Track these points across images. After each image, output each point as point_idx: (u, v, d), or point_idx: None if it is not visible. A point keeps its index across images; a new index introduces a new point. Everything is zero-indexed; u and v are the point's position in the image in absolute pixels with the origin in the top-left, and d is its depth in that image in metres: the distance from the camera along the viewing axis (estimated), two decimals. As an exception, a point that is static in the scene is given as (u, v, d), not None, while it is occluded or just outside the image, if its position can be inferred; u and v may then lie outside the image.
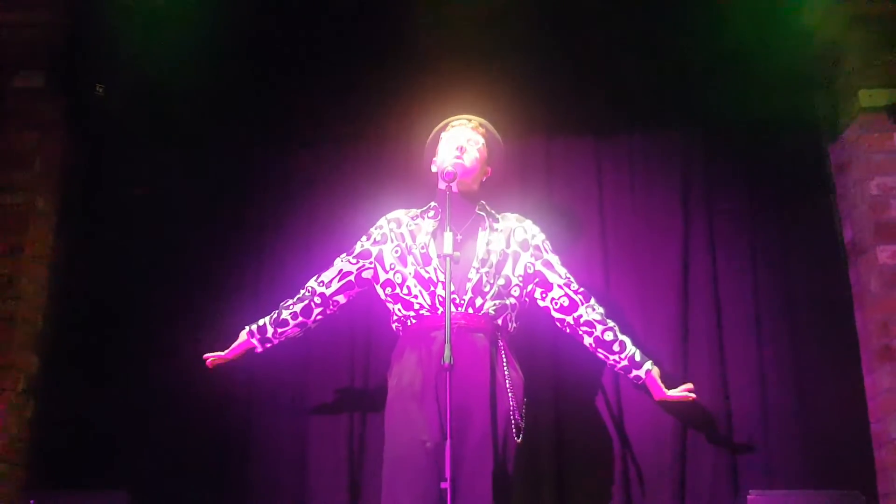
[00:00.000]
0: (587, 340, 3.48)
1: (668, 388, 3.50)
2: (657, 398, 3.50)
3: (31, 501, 3.88)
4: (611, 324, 3.49)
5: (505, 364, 3.24)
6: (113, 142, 4.65)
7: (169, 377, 4.32)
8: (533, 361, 3.85)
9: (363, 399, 4.31)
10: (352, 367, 4.35)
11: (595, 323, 3.46)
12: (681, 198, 4.42)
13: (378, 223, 3.64)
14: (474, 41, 4.50)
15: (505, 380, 3.20)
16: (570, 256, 4.35)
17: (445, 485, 2.74)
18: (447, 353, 2.82)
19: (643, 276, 4.36)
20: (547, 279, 3.51)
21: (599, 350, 3.48)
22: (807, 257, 4.30)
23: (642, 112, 4.56)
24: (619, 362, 3.45)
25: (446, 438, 2.80)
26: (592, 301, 3.54)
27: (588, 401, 4.15)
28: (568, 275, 3.56)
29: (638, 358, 3.45)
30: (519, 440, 3.16)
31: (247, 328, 3.69)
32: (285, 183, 4.66)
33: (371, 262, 3.57)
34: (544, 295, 3.50)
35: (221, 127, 4.69)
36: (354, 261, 3.62)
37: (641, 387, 3.53)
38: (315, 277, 3.71)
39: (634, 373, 3.43)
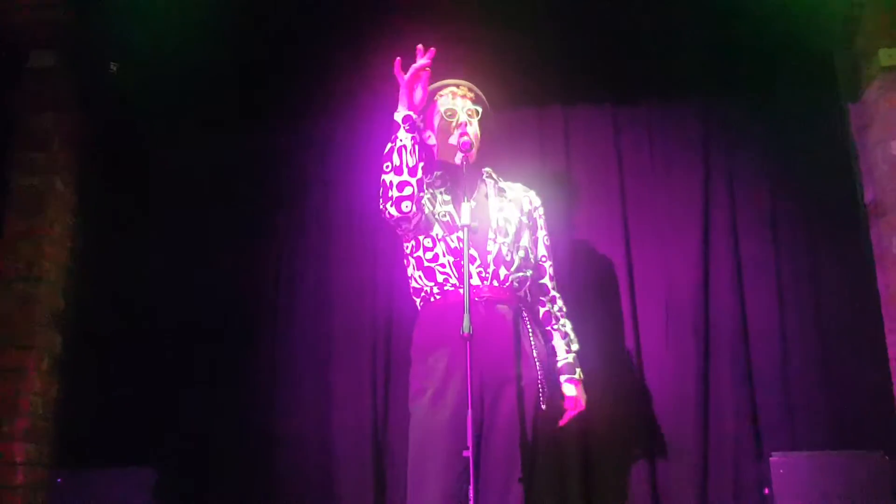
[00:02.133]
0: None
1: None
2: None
3: (58, 480, 3.92)
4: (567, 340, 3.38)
5: (531, 334, 3.23)
6: (130, 120, 4.64)
7: (193, 354, 4.37)
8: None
9: (387, 377, 4.35)
10: (374, 347, 4.40)
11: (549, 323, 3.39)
12: (701, 162, 4.41)
13: None
14: (491, 7, 4.45)
15: (532, 349, 3.20)
16: (590, 223, 4.37)
17: (467, 453, 2.74)
18: (466, 322, 2.81)
19: (664, 241, 4.36)
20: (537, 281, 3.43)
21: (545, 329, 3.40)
22: (827, 219, 4.28)
23: (661, 77, 4.53)
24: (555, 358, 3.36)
25: (468, 408, 2.80)
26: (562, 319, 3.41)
27: (609, 367, 4.14)
28: (552, 279, 3.42)
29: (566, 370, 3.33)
30: (545, 408, 3.17)
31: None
32: (301, 155, 4.68)
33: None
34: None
35: (235, 102, 4.68)
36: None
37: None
38: None
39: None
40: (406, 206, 3.09)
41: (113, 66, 4.51)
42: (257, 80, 4.72)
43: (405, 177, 3.07)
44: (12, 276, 4.30)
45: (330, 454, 4.28)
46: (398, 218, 3.13)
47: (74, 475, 3.97)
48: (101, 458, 4.15)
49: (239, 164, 4.66)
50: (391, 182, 3.09)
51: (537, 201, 3.47)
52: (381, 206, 3.15)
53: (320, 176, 4.64)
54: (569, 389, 3.29)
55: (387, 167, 3.11)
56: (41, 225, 4.37)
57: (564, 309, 3.40)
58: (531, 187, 3.48)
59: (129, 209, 4.58)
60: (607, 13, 4.49)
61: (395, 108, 3.10)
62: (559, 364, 3.32)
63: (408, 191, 3.08)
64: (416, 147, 3.07)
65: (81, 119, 4.62)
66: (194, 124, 4.65)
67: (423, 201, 3.15)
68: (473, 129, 3.33)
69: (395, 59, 3.10)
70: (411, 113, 3.07)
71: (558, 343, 3.35)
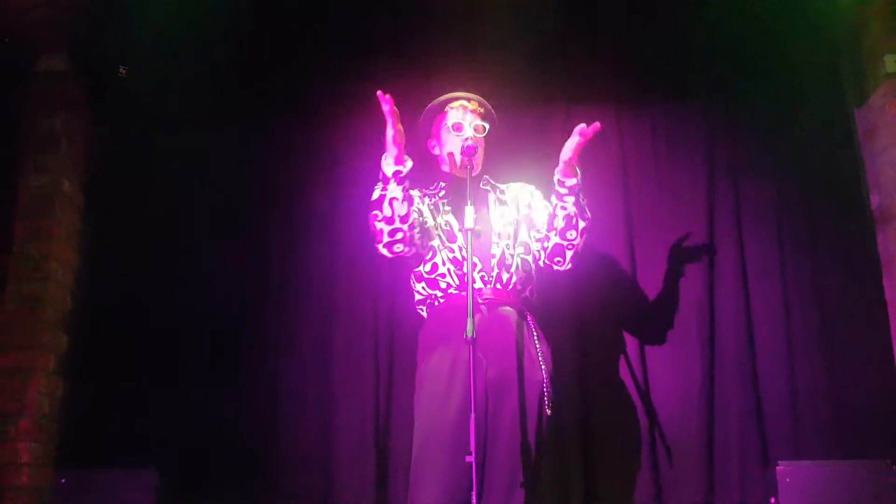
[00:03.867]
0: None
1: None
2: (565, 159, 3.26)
3: (62, 480, 3.93)
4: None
5: (535, 336, 3.25)
6: (138, 123, 4.65)
7: (196, 355, 4.38)
8: (557, 334, 3.80)
9: (391, 373, 4.32)
10: (376, 340, 4.37)
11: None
12: (705, 166, 4.40)
13: None
14: (495, 9, 4.45)
15: (536, 352, 3.21)
16: (593, 223, 4.34)
17: (470, 458, 2.74)
18: (469, 326, 2.83)
19: (668, 248, 4.33)
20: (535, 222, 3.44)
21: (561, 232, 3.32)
22: (833, 225, 4.26)
23: (664, 79, 4.52)
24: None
25: (471, 412, 2.80)
26: None
27: (613, 373, 4.15)
28: None
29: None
30: (550, 412, 3.17)
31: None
32: (309, 159, 4.67)
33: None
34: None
35: (244, 106, 4.69)
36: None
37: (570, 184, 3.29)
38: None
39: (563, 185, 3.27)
40: (398, 248, 3.24)
41: (122, 70, 4.52)
42: (263, 83, 4.74)
43: (397, 225, 3.17)
44: (20, 276, 4.32)
45: (332, 451, 4.26)
46: (391, 258, 3.27)
47: (78, 476, 3.96)
48: (105, 458, 4.15)
49: (245, 164, 4.66)
50: (382, 229, 3.18)
51: (531, 187, 3.54)
52: (375, 247, 3.25)
53: (325, 177, 4.62)
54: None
55: (377, 215, 3.19)
56: (49, 225, 4.38)
57: None
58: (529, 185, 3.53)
59: (137, 210, 4.58)
60: (611, 15, 4.49)
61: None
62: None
63: (399, 235, 3.20)
64: (406, 194, 3.14)
65: (90, 120, 4.65)
66: (202, 126, 4.66)
67: (415, 229, 3.23)
68: (478, 143, 3.37)
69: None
70: (400, 168, 3.12)
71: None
